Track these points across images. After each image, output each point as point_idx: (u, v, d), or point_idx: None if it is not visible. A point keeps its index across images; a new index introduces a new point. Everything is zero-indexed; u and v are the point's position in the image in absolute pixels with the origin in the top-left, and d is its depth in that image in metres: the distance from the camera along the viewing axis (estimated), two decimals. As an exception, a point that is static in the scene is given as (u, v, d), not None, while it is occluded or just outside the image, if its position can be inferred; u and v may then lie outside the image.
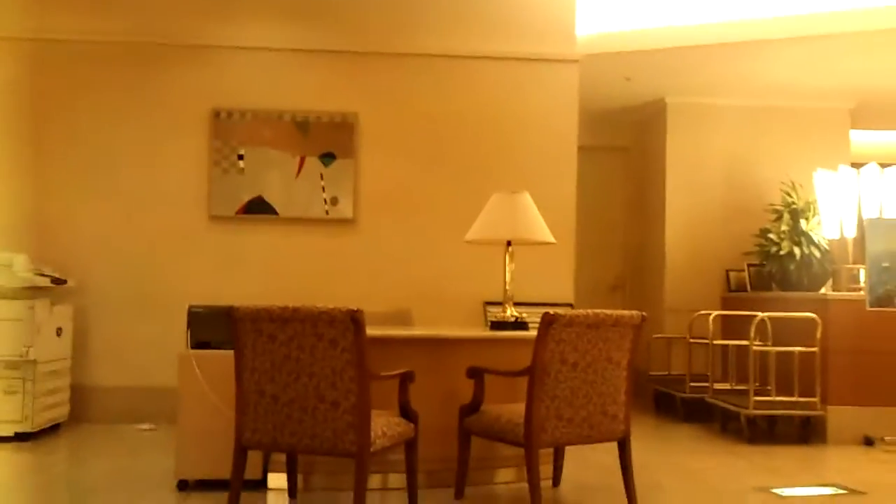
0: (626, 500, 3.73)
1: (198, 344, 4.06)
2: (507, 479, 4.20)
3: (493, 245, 4.66)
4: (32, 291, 5.33)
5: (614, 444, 3.75)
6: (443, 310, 5.94)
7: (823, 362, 5.58)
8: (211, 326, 4.04)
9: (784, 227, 6.95)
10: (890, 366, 5.47)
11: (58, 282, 5.54)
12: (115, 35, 6.06)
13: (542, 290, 6.01)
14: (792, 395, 5.60)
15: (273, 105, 6.15)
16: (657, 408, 7.06)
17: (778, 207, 7.10)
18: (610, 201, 8.59)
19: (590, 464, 4.59)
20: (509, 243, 4.38)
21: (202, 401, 3.91)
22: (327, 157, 6.17)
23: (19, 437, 5.08)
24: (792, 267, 6.82)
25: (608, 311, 3.61)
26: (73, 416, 5.72)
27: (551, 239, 4.41)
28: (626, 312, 3.69)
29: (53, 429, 5.46)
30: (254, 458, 3.71)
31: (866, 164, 6.52)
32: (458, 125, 6.32)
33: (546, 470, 4.10)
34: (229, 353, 3.42)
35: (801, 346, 5.62)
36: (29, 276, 5.29)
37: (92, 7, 6.08)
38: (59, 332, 5.48)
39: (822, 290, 6.49)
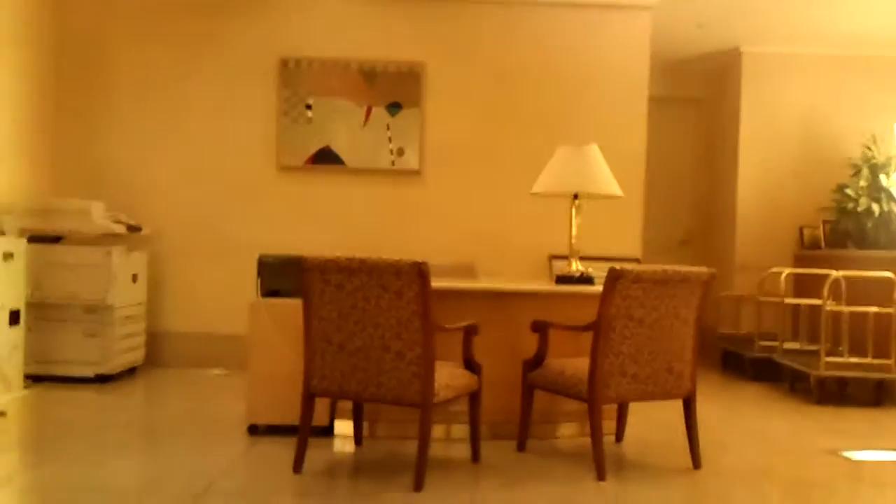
0: (689, 457, 3.71)
1: (268, 292, 4.14)
2: (570, 433, 4.21)
3: (559, 198, 4.61)
4: (109, 238, 5.50)
5: (679, 402, 3.73)
6: (508, 262, 5.94)
7: (900, 323, 5.40)
8: (280, 275, 4.12)
9: (863, 183, 6.70)
10: (971, 328, 5.27)
11: (133, 229, 5.70)
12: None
13: (609, 244, 5.93)
14: (865, 357, 5.45)
15: (340, 54, 6.15)
16: (724, 366, 6.97)
17: (857, 162, 6.85)
18: (680, 154, 8.39)
19: (654, 420, 4.57)
20: (576, 196, 4.32)
21: (272, 348, 4.01)
22: (394, 107, 6.16)
23: (99, 379, 5.29)
24: (870, 224, 6.59)
25: (676, 268, 3.56)
26: (149, 360, 5.94)
27: (619, 192, 4.34)
28: (694, 269, 3.62)
29: (130, 372, 5.67)
30: (321, 406, 3.79)
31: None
32: (525, 74, 6.23)
33: (609, 425, 4.09)
34: (298, 302, 3.48)
35: (876, 306, 5.45)
36: (106, 224, 5.46)
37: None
38: (134, 278, 5.65)
39: (902, 249, 6.27)
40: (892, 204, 6.57)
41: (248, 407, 4.07)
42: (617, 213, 5.89)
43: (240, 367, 5.33)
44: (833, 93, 7.40)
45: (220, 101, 6.18)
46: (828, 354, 5.41)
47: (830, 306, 5.54)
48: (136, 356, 5.75)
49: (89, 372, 5.28)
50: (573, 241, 4.34)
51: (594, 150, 4.34)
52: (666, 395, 3.66)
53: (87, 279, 5.27)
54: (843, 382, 5.62)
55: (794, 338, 6.33)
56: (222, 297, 5.92)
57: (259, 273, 4.16)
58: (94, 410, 4.72)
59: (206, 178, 6.15)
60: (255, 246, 5.17)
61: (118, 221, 5.60)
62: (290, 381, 3.79)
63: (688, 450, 3.72)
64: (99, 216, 5.45)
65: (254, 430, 4.07)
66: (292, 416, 3.56)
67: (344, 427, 4.06)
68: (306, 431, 3.46)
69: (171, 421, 4.47)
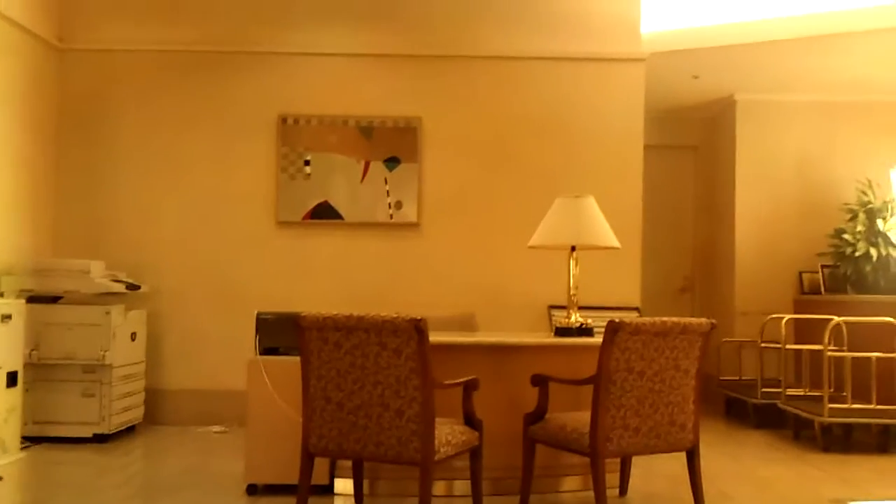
0: (694, 510, 3.66)
1: (266, 350, 4.13)
2: (573, 487, 4.16)
3: (557, 250, 4.62)
4: (108, 297, 5.50)
5: (682, 453, 3.69)
6: (507, 314, 5.93)
7: (903, 368, 5.37)
8: (279, 333, 4.11)
9: (860, 228, 6.73)
10: (975, 372, 5.24)
11: (132, 287, 5.70)
12: (183, 45, 6.22)
13: (608, 293, 5.95)
14: (869, 403, 5.40)
15: (338, 111, 6.22)
16: (728, 413, 6.92)
17: (853, 207, 6.88)
18: (678, 201, 8.44)
19: (657, 473, 4.52)
20: (573, 248, 4.33)
21: (271, 406, 3.98)
22: (391, 162, 6.21)
23: (97, 439, 5.25)
24: (868, 269, 6.60)
25: (675, 319, 3.55)
26: (148, 419, 5.90)
27: (616, 243, 4.35)
28: (694, 320, 3.61)
29: (129, 430, 5.63)
30: (321, 464, 3.76)
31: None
32: (521, 127, 6.29)
33: (613, 479, 4.05)
34: (297, 360, 3.46)
35: (878, 351, 5.43)
36: (105, 283, 5.47)
37: (160, 19, 6.25)
38: (133, 336, 5.64)
39: (901, 293, 6.27)
40: (890, 248, 6.58)
41: (247, 466, 4.04)
42: (615, 263, 5.89)
43: (240, 423, 5.31)
44: (827, 138, 7.47)
45: (219, 158, 6.23)
46: (831, 400, 5.37)
47: (832, 352, 5.52)
48: (135, 415, 5.71)
49: (87, 432, 5.25)
50: (572, 292, 4.34)
51: (590, 202, 4.36)
52: (669, 448, 3.63)
53: (85, 339, 5.26)
54: (848, 429, 5.57)
55: (797, 384, 6.30)
56: (222, 353, 5.91)
57: (257, 331, 4.15)
58: (93, 471, 4.67)
59: (206, 234, 6.17)
60: (254, 301, 5.19)
61: (117, 280, 5.61)
62: (289, 439, 3.76)
63: (693, 502, 3.67)
64: (98, 275, 5.46)
65: (253, 489, 4.03)
66: (292, 475, 3.52)
67: (344, 485, 4.01)
68: (305, 491, 3.42)
69: (170, 480, 4.42)
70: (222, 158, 6.23)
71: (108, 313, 5.31)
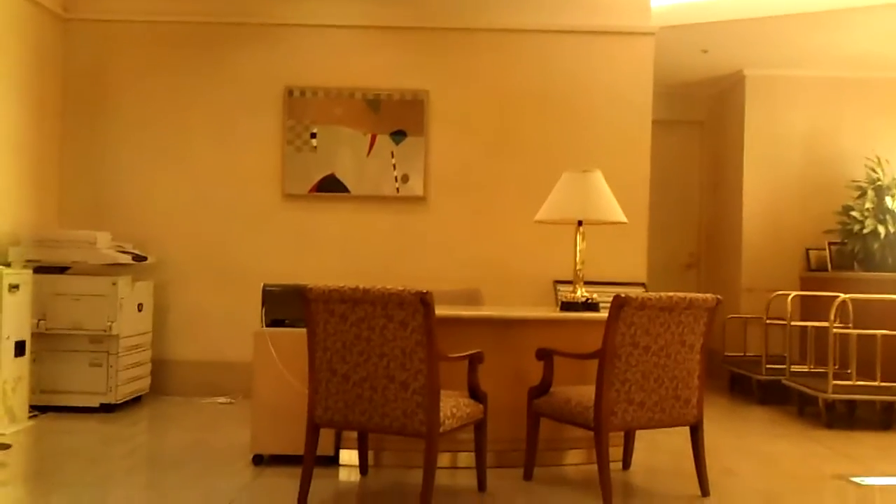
0: (697, 484, 3.68)
1: (272, 322, 4.14)
2: (577, 460, 4.19)
3: (563, 224, 4.61)
4: (115, 268, 5.52)
5: (686, 428, 3.70)
6: (513, 288, 5.94)
7: (908, 346, 5.37)
8: (284, 305, 4.12)
9: (868, 205, 6.70)
10: (980, 350, 5.24)
11: (138, 258, 5.71)
12: (187, 16, 6.18)
13: (615, 268, 5.95)
14: (874, 380, 5.41)
15: (345, 83, 6.18)
16: (732, 389, 6.93)
17: (862, 184, 6.84)
18: (685, 177, 8.41)
19: (661, 447, 4.54)
20: (580, 223, 4.32)
21: (276, 378, 4.00)
22: (398, 135, 6.19)
23: (104, 408, 5.29)
24: (876, 246, 6.58)
25: (681, 294, 3.55)
26: (154, 389, 5.93)
27: (623, 218, 4.34)
28: (699, 295, 3.61)
29: (135, 401, 5.67)
30: (326, 435, 3.79)
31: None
32: (528, 101, 6.26)
33: (616, 452, 4.07)
34: (302, 332, 3.47)
35: (884, 328, 5.42)
36: (111, 253, 5.48)
37: (168, -11, 6.21)
38: (140, 307, 5.66)
39: (908, 271, 6.25)
40: (897, 225, 6.55)
41: (253, 437, 4.06)
42: (622, 238, 5.90)
43: (245, 395, 5.35)
44: (836, 115, 7.41)
45: (224, 130, 6.21)
46: (836, 377, 5.37)
47: (838, 329, 5.52)
48: (142, 385, 5.75)
49: (94, 402, 5.28)
50: (578, 267, 4.33)
51: (598, 177, 4.34)
52: (673, 422, 3.64)
53: (92, 309, 5.28)
54: (851, 405, 5.57)
55: (802, 360, 6.30)
56: (228, 326, 5.93)
57: (263, 303, 4.16)
58: (99, 440, 4.71)
59: (211, 206, 6.17)
60: (260, 274, 5.21)
61: (123, 251, 5.62)
62: (294, 410, 3.78)
63: (695, 477, 3.69)
64: (104, 246, 5.47)
65: (258, 460, 4.06)
66: (297, 446, 3.55)
67: (349, 457, 4.04)
68: (311, 462, 3.44)
69: (176, 451, 4.46)
70: (228, 131, 6.21)
71: (114, 284, 5.32)
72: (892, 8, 5.93)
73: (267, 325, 4.14)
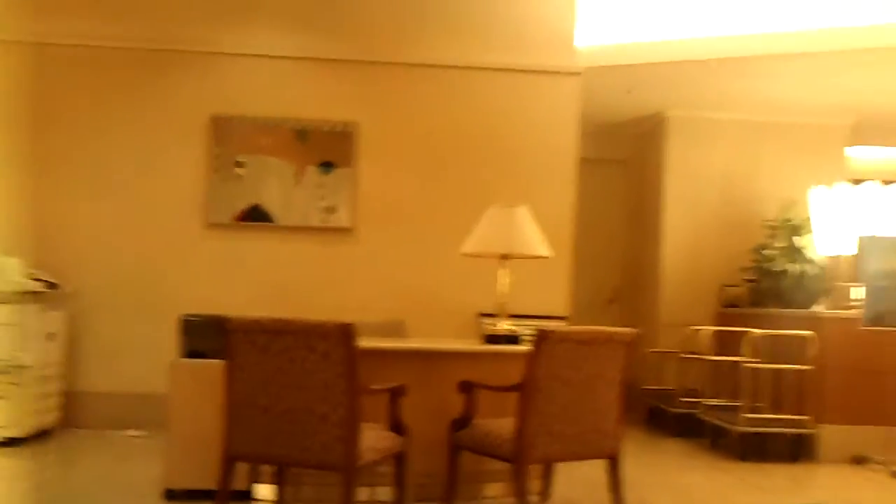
0: (614, 517, 3.72)
1: (191, 353, 4.05)
2: (496, 493, 4.19)
3: (488, 257, 4.66)
4: (25, 296, 5.32)
5: (604, 460, 3.75)
6: (438, 320, 5.94)
7: (817, 380, 5.57)
8: (204, 335, 4.04)
9: (780, 244, 6.95)
10: (883, 385, 5.47)
11: (51, 286, 5.53)
12: (115, 41, 6.07)
13: (538, 302, 6.01)
14: (784, 413, 5.59)
15: (273, 113, 6.15)
16: (649, 422, 7.06)
17: (774, 223, 7.11)
18: (608, 214, 8.60)
19: (579, 479, 4.58)
20: (505, 256, 4.37)
21: (193, 409, 3.91)
22: (326, 166, 6.18)
23: (8, 443, 5.07)
24: (787, 284, 6.82)
25: (601, 328, 3.62)
26: (65, 422, 5.72)
27: (547, 253, 4.40)
28: (619, 329, 3.69)
29: (44, 434, 5.44)
30: (242, 469, 3.70)
31: (865, 180, 6.53)
32: (457, 136, 6.33)
33: (535, 484, 4.10)
34: (221, 363, 3.41)
35: (794, 363, 5.62)
36: (22, 281, 5.28)
37: (93, 12, 6.09)
38: (50, 337, 5.47)
39: (817, 308, 6.49)
40: (808, 264, 6.82)
41: (166, 470, 3.95)
42: (546, 272, 5.97)
43: (159, 428, 5.18)
44: (752, 157, 7.70)
45: (149, 157, 6.10)
46: (748, 411, 5.53)
47: (750, 363, 5.69)
48: (51, 418, 5.54)
49: (-1, 435, 5.07)
50: (501, 301, 4.38)
51: (523, 212, 4.40)
52: (592, 455, 3.69)
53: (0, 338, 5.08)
54: (763, 438, 5.74)
55: (717, 394, 6.47)
56: (145, 357, 5.77)
57: (182, 333, 4.07)
58: (2, 476, 4.51)
59: (133, 233, 6.03)
60: (181, 303, 5.09)
61: (36, 279, 5.43)
62: (210, 443, 3.68)
63: (613, 509, 3.74)
64: (14, 273, 5.27)
65: (171, 494, 3.94)
66: (212, 481, 3.46)
67: (265, 491, 3.96)
68: (225, 496, 3.36)
69: (85, 485, 4.30)
70: (151, 157, 6.10)
71: (24, 312, 5.13)
72: (808, 57, 6.22)
73: (185, 357, 4.05)
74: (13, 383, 5.10)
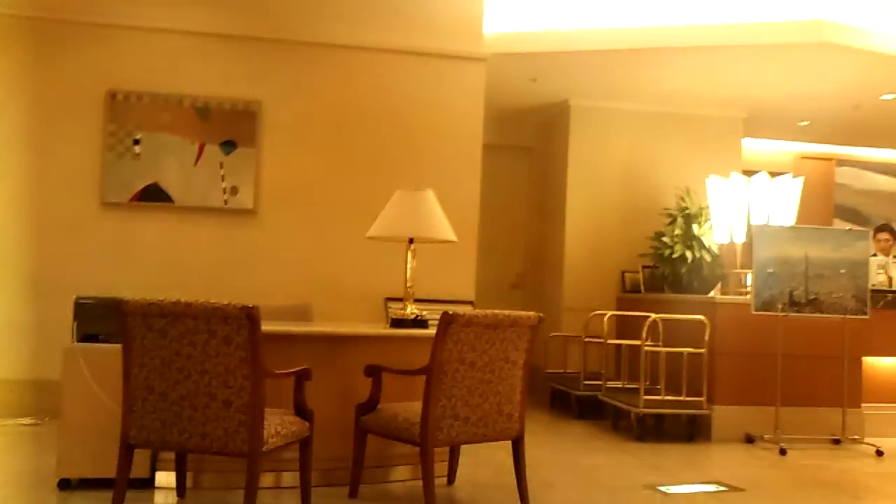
0: (518, 497, 3.78)
1: (85, 337, 3.89)
2: (403, 476, 4.20)
3: (395, 241, 4.65)
4: None
5: (509, 442, 3.80)
6: (344, 305, 5.90)
7: (710, 363, 5.79)
8: (99, 319, 3.89)
9: (677, 231, 7.19)
10: (772, 367, 5.73)
11: (-67, 267, 5.22)
12: (3, 7, 5.75)
13: (444, 286, 6.04)
14: (680, 395, 5.79)
15: (173, 89, 5.96)
16: (553, 405, 7.20)
17: (672, 212, 7.34)
18: (513, 200, 8.70)
19: (484, 461, 4.64)
20: (411, 241, 4.37)
21: (88, 396, 3.76)
22: (228, 145, 6.03)
23: None
24: (683, 270, 7.06)
25: (506, 312, 3.65)
26: (-53, 410, 5.43)
27: (453, 237, 4.42)
28: (523, 313, 3.73)
29: (-76, 423, 5.16)
30: (141, 457, 3.60)
31: (757, 171, 6.81)
32: (363, 118, 6.27)
33: (441, 467, 4.13)
34: (117, 347, 3.29)
35: (690, 347, 5.82)
36: None
37: (-22, -23, 5.76)
38: (-68, 320, 5.18)
39: (712, 294, 6.75)
40: (703, 252, 7.07)
41: (60, 459, 3.79)
42: (451, 257, 6.00)
43: (53, 416, 4.98)
44: (652, 146, 7.91)
45: (38, 133, 5.81)
46: (647, 393, 5.71)
47: (649, 347, 5.87)
48: (-67, 406, 5.24)
49: None
50: (408, 284, 4.37)
51: (429, 196, 4.41)
52: (496, 437, 3.73)
53: None
54: (660, 419, 5.94)
55: (617, 377, 6.65)
56: (36, 341, 5.53)
57: (75, 317, 3.91)
58: None
59: (23, 212, 5.74)
60: (74, 286, 4.87)
61: (-84, 258, 5.12)
62: (107, 431, 3.56)
63: (517, 490, 3.79)
64: None
65: (65, 484, 3.79)
66: (109, 469, 3.35)
67: (166, 478, 3.85)
68: (123, 485, 3.25)
69: (-29, 478, 4.09)
70: (42, 134, 5.82)
71: None
72: (705, 50, 6.43)
73: (79, 341, 3.89)
74: None
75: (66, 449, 3.78)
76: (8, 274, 5.68)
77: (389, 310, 5.91)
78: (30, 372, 5.52)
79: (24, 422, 5.37)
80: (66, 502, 3.61)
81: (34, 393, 5.44)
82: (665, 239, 7.21)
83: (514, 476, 3.81)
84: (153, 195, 5.89)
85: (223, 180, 6.00)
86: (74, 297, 3.96)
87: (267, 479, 3.86)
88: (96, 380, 3.77)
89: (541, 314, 3.82)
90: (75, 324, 3.90)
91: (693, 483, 4.50)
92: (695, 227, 7.16)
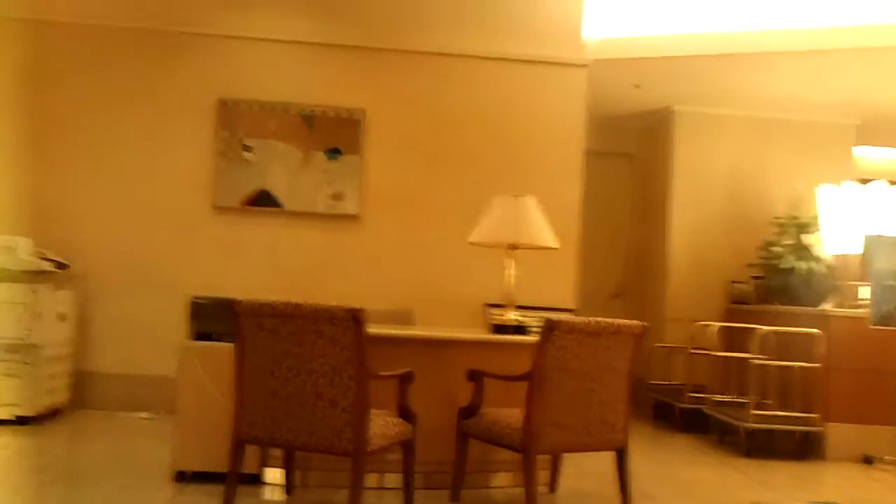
0: (620, 509, 3.73)
1: (199, 335, 4.05)
2: (504, 483, 4.19)
3: (496, 247, 4.65)
4: (35, 275, 5.32)
5: (611, 452, 3.75)
6: (444, 310, 5.94)
7: (824, 378, 5.56)
8: (213, 318, 4.04)
9: (788, 241, 6.94)
10: (891, 384, 5.46)
11: (61, 266, 5.53)
12: (121, 20, 6.06)
13: (544, 294, 6.00)
14: (791, 410, 5.59)
15: (280, 97, 6.15)
16: (655, 417, 7.06)
17: (782, 221, 7.09)
18: (615, 208, 8.58)
19: (587, 471, 4.59)
20: (513, 247, 4.37)
21: (201, 392, 3.91)
22: (333, 153, 6.17)
23: (19, 421, 5.08)
24: (794, 281, 6.80)
25: (610, 320, 3.61)
26: (74, 402, 5.73)
27: (554, 244, 4.40)
28: (627, 321, 3.68)
29: (53, 414, 5.45)
30: (251, 453, 3.71)
31: (872, 180, 6.51)
32: (464, 125, 6.32)
33: (543, 475, 4.10)
34: (230, 346, 3.41)
35: (801, 361, 5.61)
36: (32, 260, 5.29)
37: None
38: (61, 317, 5.48)
39: (825, 306, 6.48)
40: (815, 262, 6.80)
41: (175, 453, 3.95)
42: (552, 264, 5.98)
43: (168, 410, 5.20)
44: (759, 153, 7.68)
45: (155, 138, 6.10)
46: (756, 407, 5.53)
47: (758, 360, 5.68)
48: (61, 397, 5.55)
49: (9, 414, 5.06)
50: (509, 290, 4.37)
51: (530, 202, 4.40)
52: (599, 447, 3.69)
53: (10, 317, 5.08)
54: (770, 435, 5.74)
55: (724, 390, 6.46)
56: (152, 338, 5.78)
57: (191, 316, 4.07)
58: (13, 454, 4.52)
59: (140, 215, 6.03)
60: (187, 286, 5.11)
61: (45, 258, 5.43)
62: (219, 426, 3.70)
63: (619, 501, 3.74)
64: (25, 252, 5.28)
65: (181, 476, 3.95)
66: (221, 463, 3.47)
67: (274, 475, 3.97)
68: (234, 479, 3.37)
69: (95, 466, 4.30)
70: (159, 139, 6.10)
71: (34, 292, 5.14)
72: (813, 55, 6.20)
73: (194, 339, 4.05)
74: (24, 362, 5.11)
75: (181, 443, 3.94)
76: (127, 273, 5.97)
77: (490, 315, 5.91)
78: (146, 368, 5.78)
79: (143, 416, 5.63)
80: (181, 494, 3.76)
81: (152, 388, 5.70)
82: (775, 249, 6.97)
83: (616, 487, 3.75)
84: (262, 200, 6.08)
85: (329, 186, 6.14)
86: (190, 296, 4.13)
87: (371, 480, 3.93)
88: (210, 377, 3.91)
89: (645, 323, 3.76)
90: (191, 322, 4.07)
91: (803, 502, 4.33)
92: (806, 236, 6.89)
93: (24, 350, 5.11)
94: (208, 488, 3.75)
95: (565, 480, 4.24)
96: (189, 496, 3.72)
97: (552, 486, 4.19)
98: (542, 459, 4.01)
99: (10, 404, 5.08)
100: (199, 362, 3.95)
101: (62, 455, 4.72)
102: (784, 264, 6.83)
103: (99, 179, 6.02)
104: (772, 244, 7.03)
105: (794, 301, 6.79)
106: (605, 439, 3.67)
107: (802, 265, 6.77)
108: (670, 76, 6.96)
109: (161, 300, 5.82)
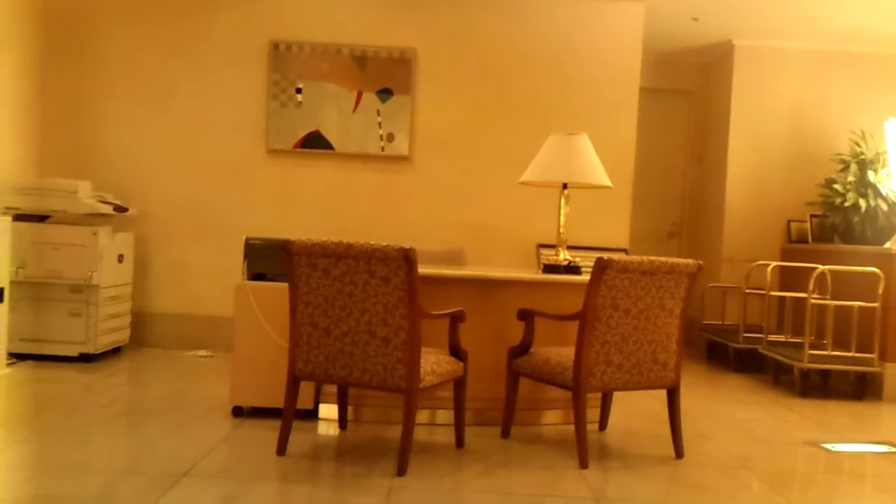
0: (671, 447, 3.73)
1: (254, 275, 4.13)
2: (554, 420, 4.23)
3: (548, 187, 4.61)
4: (96, 218, 5.47)
5: (663, 392, 3.75)
6: (495, 250, 5.95)
7: (883, 318, 5.44)
8: (267, 258, 4.11)
9: (850, 178, 6.73)
10: (953, 324, 5.32)
11: (120, 209, 5.67)
12: (176, -36, 6.07)
13: (597, 234, 5.97)
14: (849, 351, 5.49)
15: (331, 39, 6.12)
16: (709, 357, 7.01)
17: (845, 157, 6.87)
18: (670, 146, 8.41)
19: (637, 410, 4.60)
20: (565, 186, 4.32)
21: (257, 331, 4.01)
22: (384, 93, 6.14)
23: (83, 358, 5.28)
24: (856, 219, 6.62)
25: (663, 259, 3.57)
26: (134, 341, 5.93)
27: (608, 183, 4.34)
28: (681, 260, 3.63)
29: (115, 351, 5.66)
30: (306, 389, 3.80)
31: (943, 114, 6.26)
32: (516, 63, 6.22)
33: (593, 414, 4.13)
34: (284, 286, 3.47)
35: (861, 300, 5.49)
36: (92, 203, 5.43)
37: (154, -65, 6.08)
38: (120, 258, 5.63)
39: (887, 245, 6.30)
40: (879, 200, 6.60)
41: (233, 389, 4.07)
42: (605, 204, 5.91)
43: (225, 349, 5.35)
44: (823, 88, 7.42)
45: (208, 83, 6.15)
46: (812, 347, 5.45)
47: (815, 300, 5.58)
48: (121, 336, 5.74)
49: (73, 351, 5.27)
50: (561, 230, 4.34)
51: (584, 140, 4.33)
52: (650, 385, 3.68)
53: (72, 259, 5.25)
54: (826, 375, 5.66)
55: (779, 330, 6.37)
56: (208, 279, 5.93)
57: (245, 256, 4.14)
58: (78, 389, 4.70)
59: (194, 159, 6.12)
60: (241, 228, 5.20)
61: (105, 202, 5.57)
62: (275, 364, 3.80)
63: (670, 439, 3.75)
64: (86, 196, 5.42)
65: (238, 412, 4.07)
66: (277, 399, 3.57)
67: (328, 411, 4.06)
68: (290, 415, 3.46)
69: (155, 401, 4.46)
70: (211, 84, 6.14)
71: (95, 234, 5.28)
72: (884, -19, 5.92)
73: (249, 279, 4.13)
74: (86, 302, 5.28)
75: (238, 380, 4.05)
76: (183, 216, 6.09)
77: (541, 256, 5.90)
78: (204, 308, 5.94)
79: (201, 353, 5.80)
80: (238, 428, 3.88)
81: (209, 327, 5.86)
82: (836, 186, 6.77)
83: (667, 426, 3.76)
84: (315, 142, 6.11)
85: (380, 127, 6.14)
86: (244, 238, 4.20)
87: (423, 416, 4.00)
88: (265, 316, 4.00)
89: (700, 262, 3.70)
90: (245, 263, 4.14)
91: (861, 442, 4.28)
92: (870, 173, 6.67)
93: (86, 290, 5.28)
94: (265, 423, 3.87)
95: (616, 419, 4.26)
96: (246, 430, 3.84)
97: (602, 423, 4.21)
98: (592, 397, 4.03)
99: (75, 342, 5.28)
100: (255, 302, 4.03)
101: (124, 391, 4.90)
102: (846, 202, 6.64)
103: (155, 124, 6.11)
104: (833, 181, 6.84)
105: (854, 240, 6.62)
106: (656, 378, 3.67)
107: (865, 203, 6.58)
108: (730, 8, 6.71)
109: (217, 242, 5.94)
